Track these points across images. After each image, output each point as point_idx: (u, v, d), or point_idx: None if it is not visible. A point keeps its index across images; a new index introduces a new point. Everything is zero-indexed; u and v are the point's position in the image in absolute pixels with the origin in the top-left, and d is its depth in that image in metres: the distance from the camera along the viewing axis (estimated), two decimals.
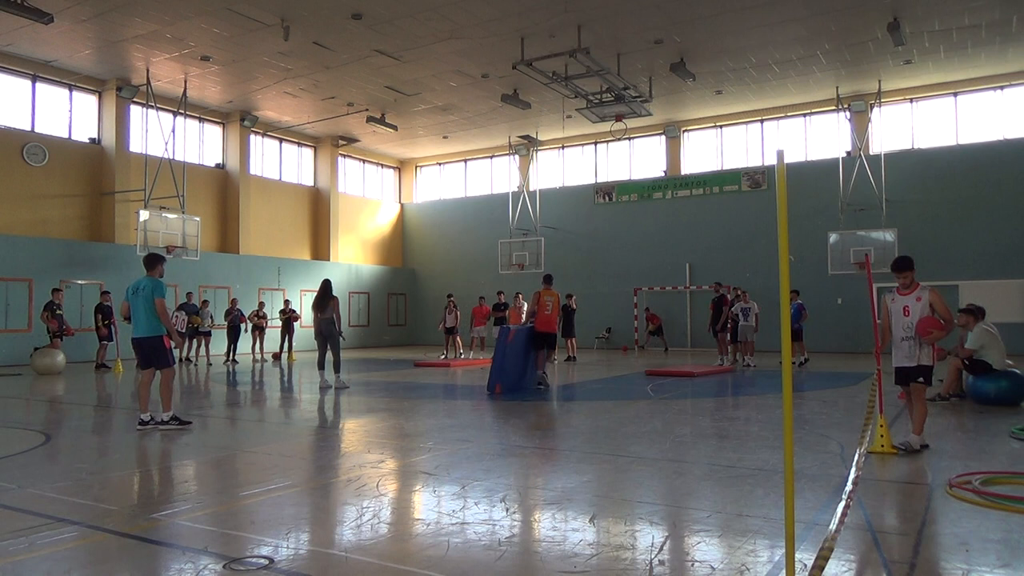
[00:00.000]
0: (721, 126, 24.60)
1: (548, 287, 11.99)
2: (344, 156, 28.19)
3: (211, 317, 18.99)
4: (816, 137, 23.17)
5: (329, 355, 11.93)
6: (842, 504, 3.71)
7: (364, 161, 29.38)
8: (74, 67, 19.52)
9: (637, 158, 26.16)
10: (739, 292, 17.09)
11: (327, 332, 11.92)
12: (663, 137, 25.19)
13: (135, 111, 21.25)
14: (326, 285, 12.16)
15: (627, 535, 3.98)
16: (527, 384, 11.45)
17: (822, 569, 2.92)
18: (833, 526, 3.38)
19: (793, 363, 15.74)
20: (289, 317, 19.89)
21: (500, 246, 25.28)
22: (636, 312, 24.51)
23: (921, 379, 6.32)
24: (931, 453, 6.18)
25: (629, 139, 25.54)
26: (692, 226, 24.21)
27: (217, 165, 24.17)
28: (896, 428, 7.43)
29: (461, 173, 29.98)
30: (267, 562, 3.52)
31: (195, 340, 18.53)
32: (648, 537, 3.94)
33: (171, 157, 20.68)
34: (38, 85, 19.62)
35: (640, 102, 19.03)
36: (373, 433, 7.73)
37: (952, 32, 17.25)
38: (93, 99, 20.86)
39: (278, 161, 26.30)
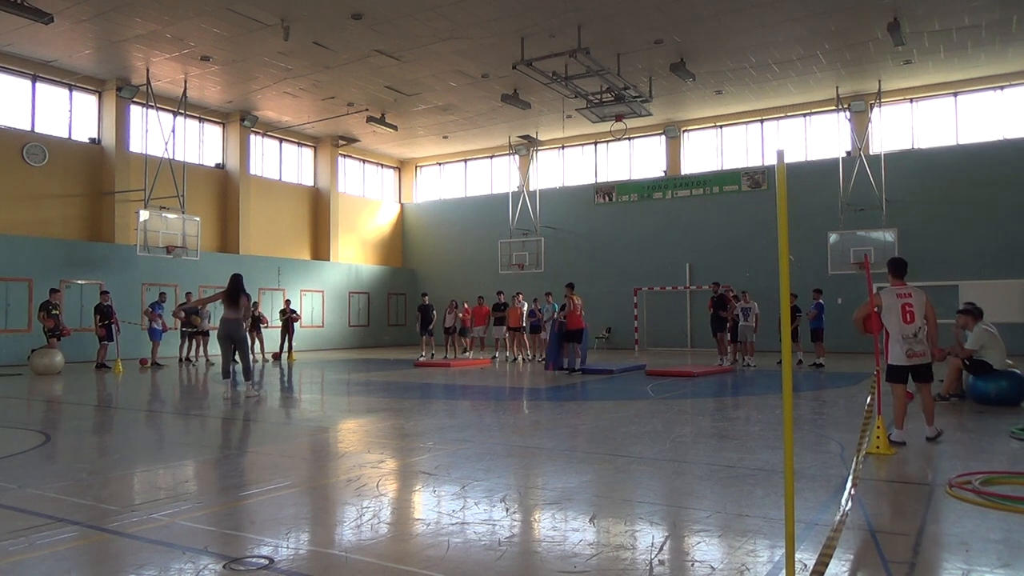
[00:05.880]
0: (721, 126, 24.59)
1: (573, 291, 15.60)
2: (344, 156, 28.19)
3: (208, 317, 18.80)
4: (816, 137, 23.16)
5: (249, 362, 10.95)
6: (845, 508, 3.71)
7: (364, 161, 29.37)
8: (74, 67, 19.51)
9: (637, 158, 26.15)
10: (739, 292, 17.11)
11: (233, 333, 10.65)
12: (663, 137, 25.18)
13: (135, 111, 21.25)
14: (236, 280, 10.81)
15: (627, 535, 3.98)
16: (560, 365, 15.52)
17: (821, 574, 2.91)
18: (832, 528, 3.38)
19: (814, 363, 15.78)
20: (289, 317, 19.90)
21: (500, 246, 25.27)
22: (636, 312, 24.51)
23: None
24: (931, 453, 6.18)
25: (629, 139, 25.53)
26: (692, 226, 24.20)
27: (217, 165, 24.17)
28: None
29: (461, 173, 29.97)
30: (267, 562, 3.51)
31: (194, 340, 18.52)
32: (648, 537, 3.94)
33: (171, 157, 20.67)
34: (38, 85, 19.62)
35: (640, 102, 19.02)
36: (373, 433, 7.72)
37: (952, 32, 17.25)
38: (93, 99, 20.86)
39: (278, 161, 26.30)
